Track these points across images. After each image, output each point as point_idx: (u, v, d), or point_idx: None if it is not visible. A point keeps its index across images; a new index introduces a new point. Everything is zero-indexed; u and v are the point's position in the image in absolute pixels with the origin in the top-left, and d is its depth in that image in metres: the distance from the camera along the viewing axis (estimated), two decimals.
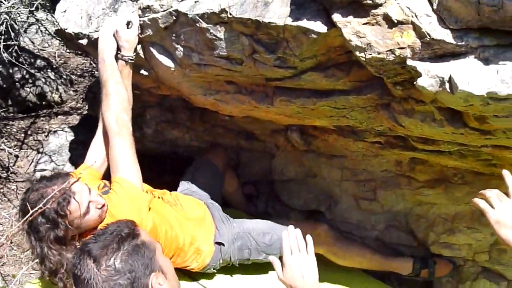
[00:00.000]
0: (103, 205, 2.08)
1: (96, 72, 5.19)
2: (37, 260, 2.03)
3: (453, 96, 1.61)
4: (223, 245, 2.48)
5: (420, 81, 1.64)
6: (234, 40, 2.00)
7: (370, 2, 1.60)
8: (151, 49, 2.36)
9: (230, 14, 1.91)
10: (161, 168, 3.57)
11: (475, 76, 1.55)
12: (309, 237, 1.75)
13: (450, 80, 1.59)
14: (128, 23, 2.31)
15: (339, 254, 2.74)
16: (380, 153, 2.59)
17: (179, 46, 2.22)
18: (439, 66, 1.63)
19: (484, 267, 2.77)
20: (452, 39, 1.58)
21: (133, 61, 2.35)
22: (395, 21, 1.61)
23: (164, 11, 2.18)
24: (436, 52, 1.63)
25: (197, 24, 2.05)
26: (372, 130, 2.28)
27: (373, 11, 1.62)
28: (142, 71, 2.51)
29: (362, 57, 1.70)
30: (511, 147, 1.93)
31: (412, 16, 1.59)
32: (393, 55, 1.66)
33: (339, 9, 1.67)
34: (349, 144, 2.60)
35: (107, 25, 2.38)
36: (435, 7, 1.58)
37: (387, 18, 1.62)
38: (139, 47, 2.38)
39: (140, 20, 2.30)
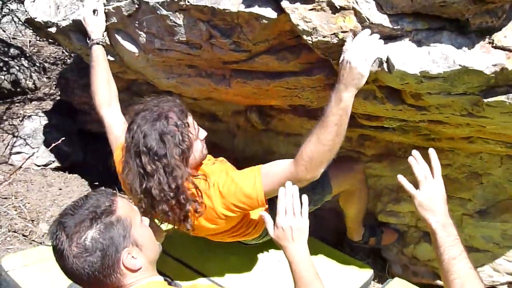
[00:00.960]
0: (203, 139, 1.95)
1: (69, 60, 5.11)
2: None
3: (390, 75, 1.66)
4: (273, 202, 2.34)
5: None
6: (192, 26, 2.01)
7: None
8: (116, 35, 2.35)
9: (188, 1, 1.91)
10: None
11: (409, 57, 1.61)
12: (304, 197, 1.66)
13: (388, 60, 1.64)
14: (94, 11, 2.30)
15: (361, 194, 2.65)
16: None
17: (142, 32, 2.21)
18: (384, 50, 1.66)
19: (425, 232, 2.82)
20: (389, 23, 1.62)
21: (104, 44, 2.33)
22: (338, 7, 1.63)
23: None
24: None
25: (158, 12, 2.04)
26: (322, 110, 2.31)
27: None
28: (109, 57, 2.49)
29: (309, 40, 1.73)
30: (444, 122, 1.99)
31: (353, 2, 1.62)
32: (337, 38, 1.69)
33: None
34: (304, 123, 2.62)
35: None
36: None
37: (330, 4, 1.64)
38: (105, 33, 2.37)
39: (105, 9, 2.29)
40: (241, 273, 2.57)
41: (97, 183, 3.64)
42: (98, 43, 2.30)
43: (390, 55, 1.63)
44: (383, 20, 1.62)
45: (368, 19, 1.62)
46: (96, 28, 2.30)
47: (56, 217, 1.30)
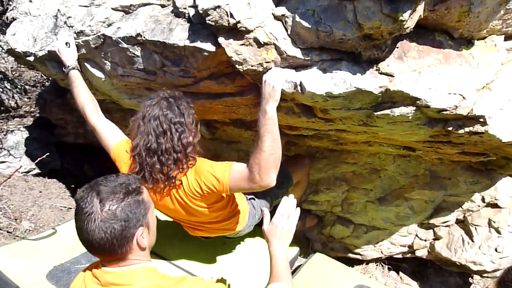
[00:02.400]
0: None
1: (47, 83, 4.95)
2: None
3: (303, 95, 1.73)
4: (254, 199, 2.32)
5: None
6: (148, 57, 2.02)
7: (244, 29, 1.68)
8: (86, 64, 2.33)
9: (144, 37, 1.93)
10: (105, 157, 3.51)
11: (317, 81, 1.68)
12: (298, 209, 1.63)
13: (301, 84, 1.71)
14: (66, 43, 2.26)
15: (303, 184, 2.69)
16: None
17: (107, 61, 2.21)
18: (293, 75, 1.74)
19: (338, 216, 2.94)
20: (301, 55, 1.69)
21: (78, 69, 2.27)
22: (262, 43, 1.70)
23: (94, 34, 2.17)
24: (291, 64, 1.74)
25: (120, 45, 2.05)
26: (255, 122, 2.37)
27: (246, 35, 1.70)
28: None
29: (241, 69, 1.78)
30: (347, 130, 2.08)
31: (274, 39, 1.69)
32: (262, 67, 1.75)
33: (223, 34, 1.73)
34: (241, 133, 2.66)
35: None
36: (289, 32, 1.68)
37: (256, 40, 1.70)
38: (76, 62, 2.34)
39: (76, 42, 2.26)
40: (201, 259, 2.55)
41: (73, 186, 3.56)
42: (74, 68, 2.24)
43: (303, 80, 1.70)
44: (297, 53, 1.69)
45: (285, 52, 1.69)
46: (70, 57, 2.25)
47: (86, 185, 1.22)
